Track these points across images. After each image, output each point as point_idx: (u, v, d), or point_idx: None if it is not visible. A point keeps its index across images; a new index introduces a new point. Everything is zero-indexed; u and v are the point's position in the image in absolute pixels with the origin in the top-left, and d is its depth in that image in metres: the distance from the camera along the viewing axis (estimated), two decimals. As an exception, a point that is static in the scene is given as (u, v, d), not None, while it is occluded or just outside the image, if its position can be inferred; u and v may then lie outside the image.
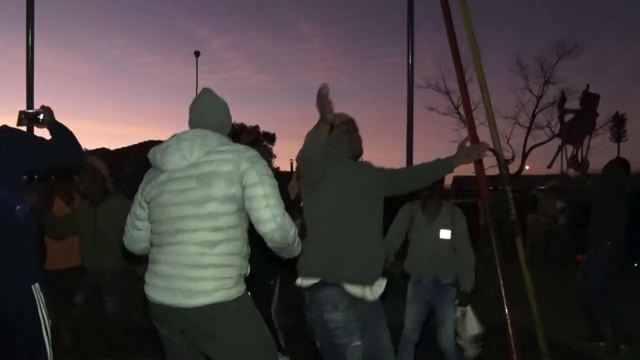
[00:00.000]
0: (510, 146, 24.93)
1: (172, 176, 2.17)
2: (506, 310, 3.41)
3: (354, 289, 2.48)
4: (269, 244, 2.18)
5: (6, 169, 2.29)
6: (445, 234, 3.78)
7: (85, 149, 4.13)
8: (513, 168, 24.01)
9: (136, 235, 2.36)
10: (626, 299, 5.76)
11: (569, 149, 17.66)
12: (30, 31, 4.72)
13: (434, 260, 3.79)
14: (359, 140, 2.69)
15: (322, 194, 2.50)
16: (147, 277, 2.21)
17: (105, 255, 4.00)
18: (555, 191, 10.74)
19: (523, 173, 25.67)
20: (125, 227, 2.40)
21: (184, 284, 2.06)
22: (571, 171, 5.49)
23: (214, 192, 2.09)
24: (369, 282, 2.53)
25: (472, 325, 3.74)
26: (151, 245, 2.25)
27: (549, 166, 18.49)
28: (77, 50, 54.97)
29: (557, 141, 23.09)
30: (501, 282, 3.41)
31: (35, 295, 2.32)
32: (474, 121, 4.02)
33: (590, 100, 17.98)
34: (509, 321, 3.41)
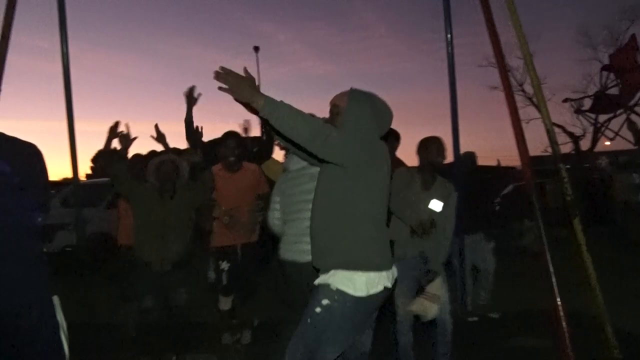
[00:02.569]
0: (580, 121, 23.36)
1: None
2: (558, 300, 3.11)
3: None
4: None
5: (35, 181, 2.33)
6: (435, 205, 3.46)
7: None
8: (585, 144, 22.57)
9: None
10: None
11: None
12: (63, 37, 4.90)
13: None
14: None
15: None
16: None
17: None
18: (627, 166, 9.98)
19: (601, 149, 24.01)
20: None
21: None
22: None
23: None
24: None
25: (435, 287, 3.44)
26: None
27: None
28: (139, 52, 56.89)
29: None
30: (551, 268, 3.12)
31: (54, 300, 2.34)
32: (514, 95, 3.76)
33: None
34: (560, 310, 3.11)
